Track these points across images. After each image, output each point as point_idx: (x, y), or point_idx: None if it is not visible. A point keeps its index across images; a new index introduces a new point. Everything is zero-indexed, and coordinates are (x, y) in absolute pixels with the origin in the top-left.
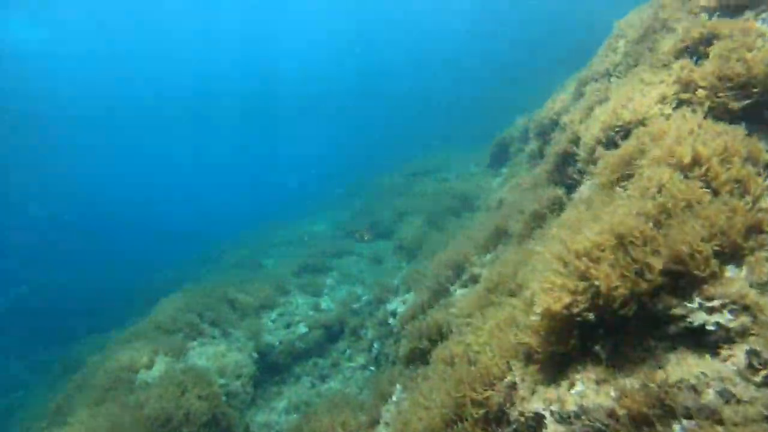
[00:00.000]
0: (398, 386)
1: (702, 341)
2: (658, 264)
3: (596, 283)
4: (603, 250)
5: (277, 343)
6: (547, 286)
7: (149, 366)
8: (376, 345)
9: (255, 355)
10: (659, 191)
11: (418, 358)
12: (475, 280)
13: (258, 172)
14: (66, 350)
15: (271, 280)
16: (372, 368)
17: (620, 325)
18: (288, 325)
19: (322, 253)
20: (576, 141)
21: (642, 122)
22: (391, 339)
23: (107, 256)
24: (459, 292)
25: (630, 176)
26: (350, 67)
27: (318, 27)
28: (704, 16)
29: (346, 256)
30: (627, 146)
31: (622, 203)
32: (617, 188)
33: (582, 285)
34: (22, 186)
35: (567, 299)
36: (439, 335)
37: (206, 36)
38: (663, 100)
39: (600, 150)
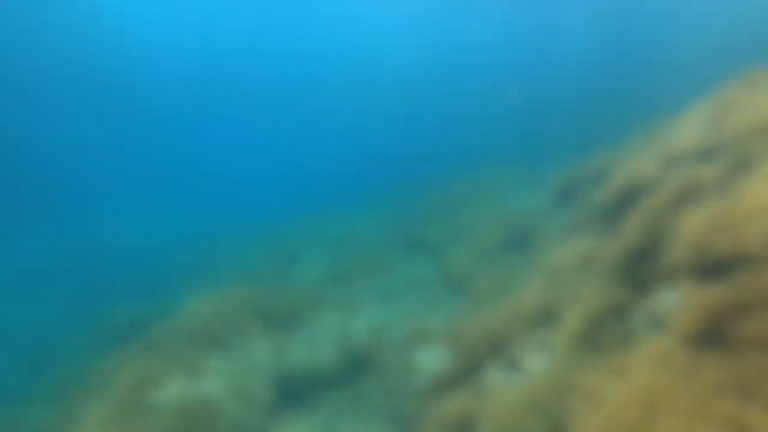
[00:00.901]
0: None
1: None
2: None
3: None
4: None
5: (298, 366)
6: None
7: (164, 383)
8: (397, 395)
9: (272, 377)
10: None
11: None
12: (514, 363)
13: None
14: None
15: (305, 288)
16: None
17: None
18: (312, 348)
19: (364, 263)
20: (655, 235)
21: (748, 260)
22: (416, 400)
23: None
24: (495, 375)
25: (722, 340)
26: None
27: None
28: None
29: (388, 272)
30: (724, 294)
31: (718, 403)
32: (706, 354)
33: None
34: None
35: None
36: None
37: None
38: None
39: (687, 283)
